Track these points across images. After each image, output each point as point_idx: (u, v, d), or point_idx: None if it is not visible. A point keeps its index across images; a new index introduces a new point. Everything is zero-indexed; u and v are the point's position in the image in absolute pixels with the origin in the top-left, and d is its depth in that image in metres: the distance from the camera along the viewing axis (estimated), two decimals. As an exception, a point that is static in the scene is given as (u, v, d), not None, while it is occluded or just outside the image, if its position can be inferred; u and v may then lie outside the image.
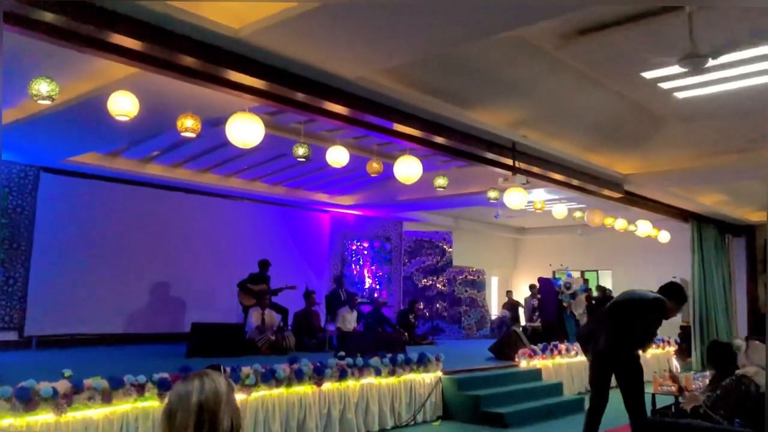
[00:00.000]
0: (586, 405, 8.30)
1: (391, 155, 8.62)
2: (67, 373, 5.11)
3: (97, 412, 5.10)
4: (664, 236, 13.40)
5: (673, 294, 5.17)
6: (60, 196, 9.83)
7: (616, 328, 5.09)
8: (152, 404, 5.40)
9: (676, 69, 6.02)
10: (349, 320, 10.65)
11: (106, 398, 5.16)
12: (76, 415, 4.99)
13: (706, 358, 5.00)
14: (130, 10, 4.43)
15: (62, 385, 4.95)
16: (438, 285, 15.13)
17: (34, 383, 4.83)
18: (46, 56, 5.27)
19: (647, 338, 5.26)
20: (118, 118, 5.64)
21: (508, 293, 15.50)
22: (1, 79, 3.28)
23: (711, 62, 5.37)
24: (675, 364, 6.26)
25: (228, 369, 5.62)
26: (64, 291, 9.71)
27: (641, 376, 5.19)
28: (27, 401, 4.74)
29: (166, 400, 1.91)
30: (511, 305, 15.12)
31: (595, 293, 14.00)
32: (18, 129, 7.34)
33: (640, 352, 5.27)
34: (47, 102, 5.42)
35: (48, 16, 4.21)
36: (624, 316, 5.11)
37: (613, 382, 5.24)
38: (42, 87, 5.22)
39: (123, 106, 5.54)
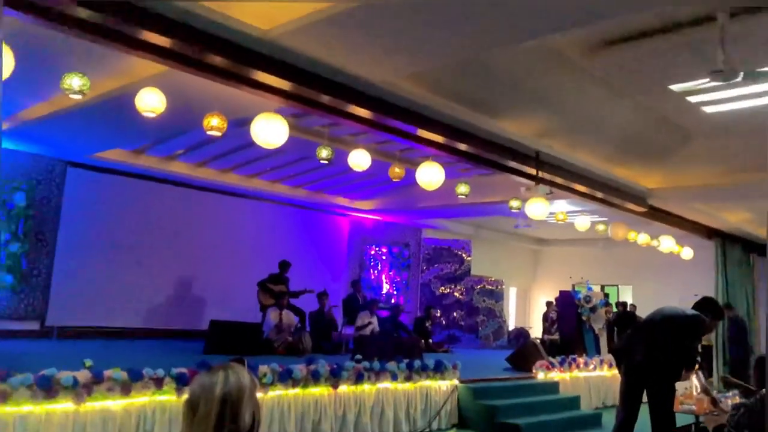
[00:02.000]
0: (604, 420, 8.34)
1: (413, 161, 8.62)
2: (88, 363, 5.15)
3: (115, 403, 5.16)
4: (687, 253, 13.19)
5: (710, 310, 5.06)
6: (85, 190, 9.98)
7: (654, 344, 4.98)
8: (170, 398, 5.44)
9: (705, 83, 5.97)
10: (368, 325, 10.61)
11: (125, 390, 5.21)
12: (95, 405, 5.04)
13: (755, 376, 4.86)
14: (161, 8, 4.51)
15: (83, 375, 5.01)
16: (455, 293, 15.06)
17: (55, 372, 4.89)
18: (78, 53, 5.37)
19: (693, 359, 5.15)
20: (145, 114, 5.72)
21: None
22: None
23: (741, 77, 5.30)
24: (701, 378, 6.10)
25: (249, 365, 5.64)
26: (86, 284, 9.85)
27: (673, 394, 5.09)
28: (47, 389, 4.80)
29: (188, 391, 1.91)
30: None
31: (614, 309, 13.73)
32: (47, 123, 7.49)
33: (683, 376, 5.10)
34: (78, 96, 5.52)
35: (82, 13, 4.29)
36: (664, 334, 4.98)
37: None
38: (74, 81, 5.34)
39: (150, 102, 5.62)
